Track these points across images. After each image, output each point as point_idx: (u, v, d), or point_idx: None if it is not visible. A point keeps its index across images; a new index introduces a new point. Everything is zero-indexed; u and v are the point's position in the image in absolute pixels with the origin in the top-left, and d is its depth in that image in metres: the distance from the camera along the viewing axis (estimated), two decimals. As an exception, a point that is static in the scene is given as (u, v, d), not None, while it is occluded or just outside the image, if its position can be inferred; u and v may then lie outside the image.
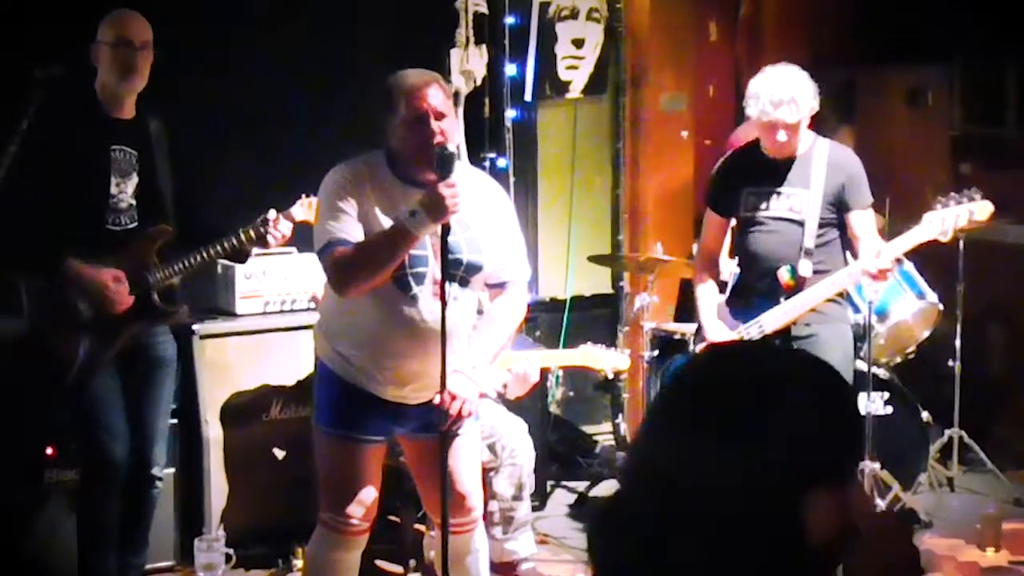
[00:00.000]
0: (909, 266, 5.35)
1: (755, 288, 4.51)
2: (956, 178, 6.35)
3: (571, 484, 5.85)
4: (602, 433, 6.55)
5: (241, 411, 4.86)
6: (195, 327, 4.73)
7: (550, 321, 6.15)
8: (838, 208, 4.41)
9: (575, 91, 6.35)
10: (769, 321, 4.42)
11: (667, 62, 6.59)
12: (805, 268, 4.37)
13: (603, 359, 4.85)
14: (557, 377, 6.20)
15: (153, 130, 4.11)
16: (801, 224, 4.39)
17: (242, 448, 4.86)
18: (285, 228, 4.16)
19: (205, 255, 4.12)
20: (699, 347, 4.68)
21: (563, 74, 6.30)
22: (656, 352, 5.48)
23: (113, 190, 4.01)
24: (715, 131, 6.60)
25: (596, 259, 6.01)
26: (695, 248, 6.23)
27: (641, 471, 1.33)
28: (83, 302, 3.97)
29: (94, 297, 3.96)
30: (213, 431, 4.80)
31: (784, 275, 4.38)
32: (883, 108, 6.77)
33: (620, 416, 6.47)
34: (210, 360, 4.81)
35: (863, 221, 4.42)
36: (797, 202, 4.42)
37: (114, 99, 4.04)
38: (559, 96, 6.33)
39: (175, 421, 4.58)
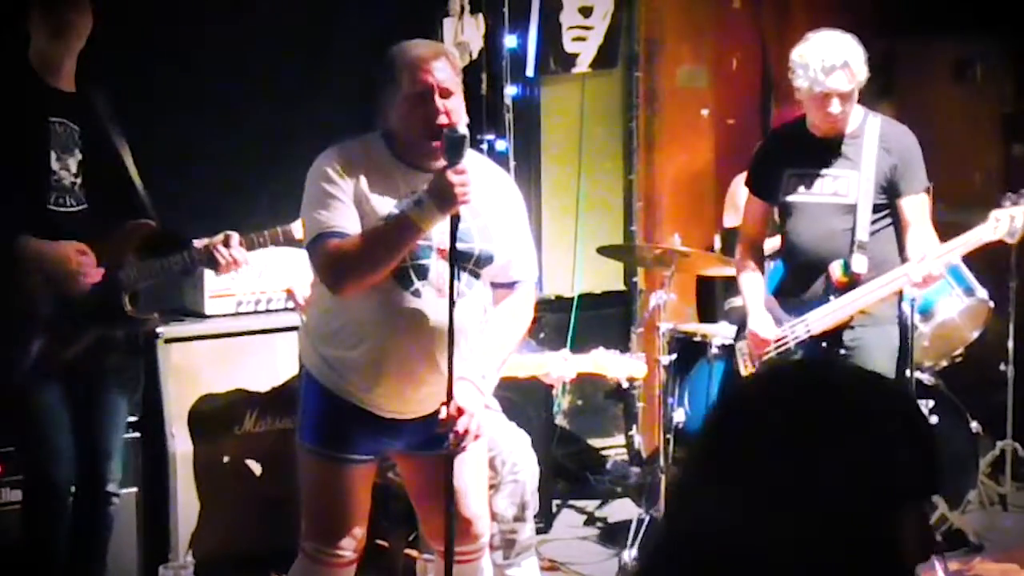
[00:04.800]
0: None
1: (800, 282, 4.51)
2: (1008, 160, 6.34)
3: (579, 503, 5.85)
4: (614, 447, 6.54)
5: (211, 423, 4.84)
6: (159, 329, 4.71)
7: (555, 322, 6.13)
8: (889, 192, 4.40)
9: (583, 65, 6.34)
10: (816, 321, 4.42)
11: (685, 32, 6.58)
12: (859, 264, 4.35)
13: (617, 366, 4.84)
14: (564, 385, 6.19)
15: (98, 104, 4.08)
16: (851, 211, 4.39)
17: (212, 464, 4.84)
18: (238, 253, 4.11)
19: (187, 258, 4.10)
20: (742, 343, 4.67)
21: (569, 46, 6.29)
22: (674, 356, 5.47)
23: (54, 165, 3.98)
24: (738, 109, 6.59)
25: (606, 252, 5.99)
26: (717, 240, 6.24)
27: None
28: (43, 294, 3.94)
29: (55, 274, 3.93)
30: (180, 445, 4.78)
31: (836, 271, 4.37)
32: (926, 83, 6.76)
33: (634, 428, 6.46)
34: (176, 366, 4.79)
35: (915, 207, 4.41)
36: (844, 185, 4.42)
37: (50, 66, 4.00)
38: (565, 71, 6.31)
39: (137, 435, 4.57)
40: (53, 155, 3.98)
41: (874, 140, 4.39)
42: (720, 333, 5.62)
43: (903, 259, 4.44)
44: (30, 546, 4.13)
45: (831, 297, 4.40)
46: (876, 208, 4.39)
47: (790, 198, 4.52)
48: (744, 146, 6.22)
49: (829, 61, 4.28)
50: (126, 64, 4.05)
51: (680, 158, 6.63)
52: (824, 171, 4.44)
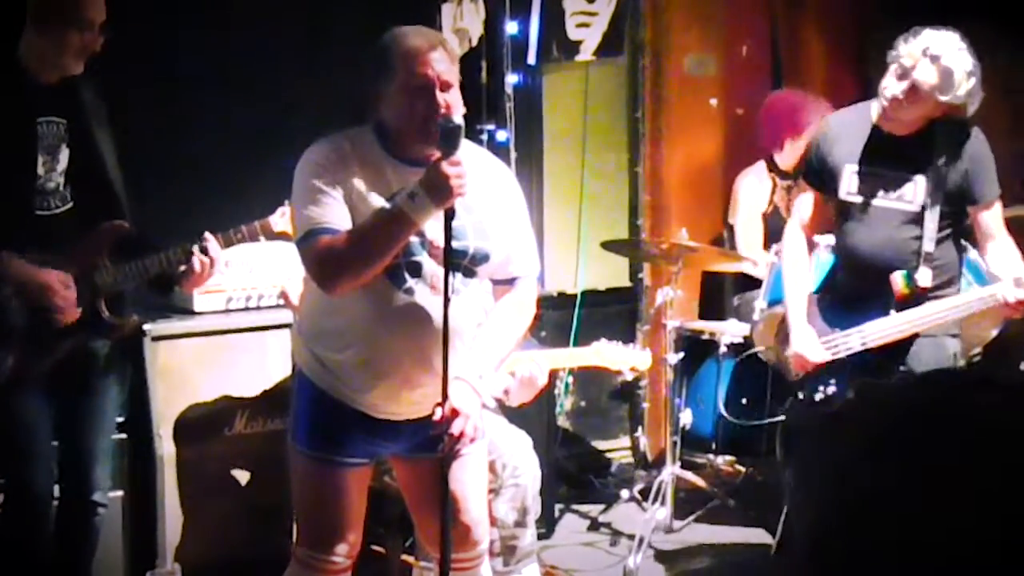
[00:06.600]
0: (974, 254, 5.31)
1: (856, 290, 4.39)
2: (1025, 152, 6.32)
3: (582, 508, 5.83)
4: (618, 449, 6.53)
5: (200, 424, 4.82)
6: (146, 327, 4.69)
7: (558, 319, 6.12)
8: (959, 200, 4.27)
9: (586, 52, 6.32)
10: (873, 334, 4.30)
11: (693, 19, 6.56)
12: (924, 277, 4.23)
13: (621, 357, 4.82)
14: (567, 384, 6.18)
15: (86, 95, 4.05)
16: (917, 219, 4.26)
17: (201, 467, 4.83)
18: (214, 251, 4.08)
19: (165, 260, 4.08)
20: (789, 353, 4.52)
21: (573, 33, 6.27)
22: (681, 354, 5.46)
23: (40, 170, 3.95)
24: (748, 98, 6.57)
25: (611, 247, 5.98)
26: (727, 234, 6.23)
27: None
28: (17, 304, 3.92)
29: (34, 301, 3.91)
30: (167, 448, 4.77)
31: (898, 282, 4.23)
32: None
33: (639, 429, 6.45)
34: (164, 365, 4.77)
35: (992, 217, 4.28)
36: (911, 190, 4.28)
37: (41, 60, 3.97)
38: (568, 58, 6.29)
39: (124, 436, 4.56)
40: (40, 159, 3.96)
41: (945, 143, 4.25)
42: (729, 331, 5.61)
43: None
44: (10, 551, 4.12)
45: (891, 310, 4.27)
46: (942, 216, 4.25)
47: (850, 198, 4.37)
48: (754, 136, 6.21)
49: (936, 51, 4.14)
50: (119, 62, 4.03)
51: (687, 150, 6.60)
52: (890, 172, 4.30)
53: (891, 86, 4.23)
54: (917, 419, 1.31)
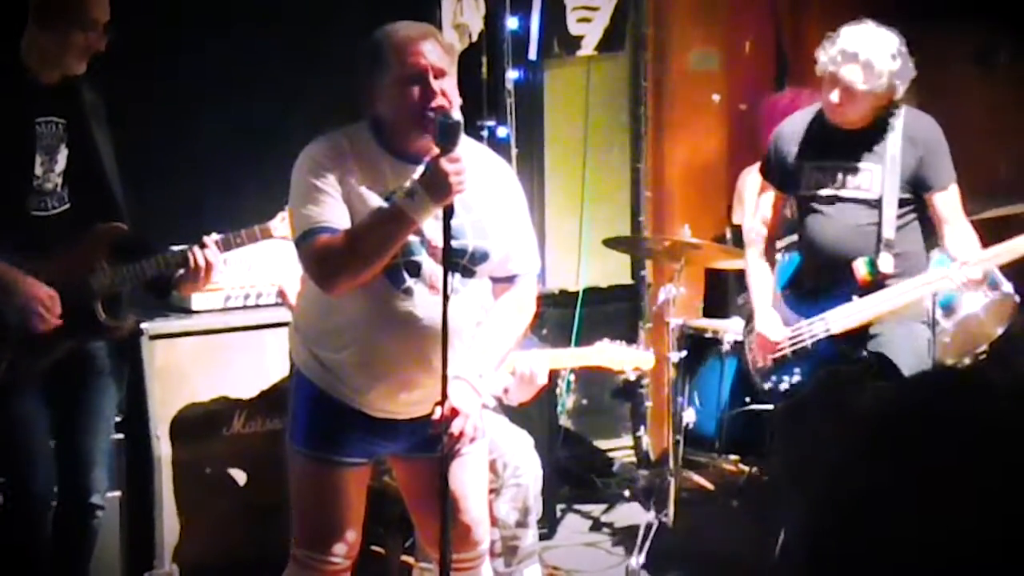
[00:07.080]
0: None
1: (819, 280, 4.49)
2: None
3: (584, 508, 5.83)
4: (620, 448, 6.52)
5: (197, 424, 4.82)
6: (144, 326, 4.68)
7: (559, 317, 6.12)
8: (916, 187, 4.37)
9: (588, 48, 6.31)
10: (837, 320, 4.40)
11: (696, 13, 6.55)
12: (886, 263, 4.32)
13: (623, 358, 4.82)
14: (568, 382, 6.17)
15: (86, 95, 4.04)
16: (876, 207, 4.36)
17: (199, 467, 4.83)
18: (212, 256, 4.07)
19: (163, 262, 4.07)
20: (750, 340, 4.66)
21: (574, 28, 6.26)
22: (684, 353, 5.45)
23: (38, 170, 3.94)
24: (751, 94, 6.57)
25: (613, 244, 5.97)
26: (730, 231, 6.22)
27: None
28: (9, 308, 3.91)
29: (20, 309, 3.90)
30: (165, 448, 4.76)
31: (861, 269, 4.34)
32: (949, 68, 6.72)
33: (642, 428, 6.45)
34: (162, 365, 4.77)
35: (947, 202, 4.38)
36: (868, 180, 4.38)
37: (42, 59, 3.96)
38: (569, 54, 6.29)
39: (120, 436, 4.55)
40: (38, 159, 3.95)
41: (898, 131, 4.36)
42: (732, 329, 5.61)
43: (929, 256, 4.44)
44: (8, 553, 4.12)
45: (854, 296, 4.37)
46: (901, 203, 4.35)
47: (810, 192, 4.48)
48: (757, 133, 6.20)
49: (851, 48, 4.25)
50: (119, 62, 4.03)
51: (690, 146, 6.60)
52: (846, 164, 4.41)
53: (828, 95, 4.35)
54: (916, 418, 1.30)
